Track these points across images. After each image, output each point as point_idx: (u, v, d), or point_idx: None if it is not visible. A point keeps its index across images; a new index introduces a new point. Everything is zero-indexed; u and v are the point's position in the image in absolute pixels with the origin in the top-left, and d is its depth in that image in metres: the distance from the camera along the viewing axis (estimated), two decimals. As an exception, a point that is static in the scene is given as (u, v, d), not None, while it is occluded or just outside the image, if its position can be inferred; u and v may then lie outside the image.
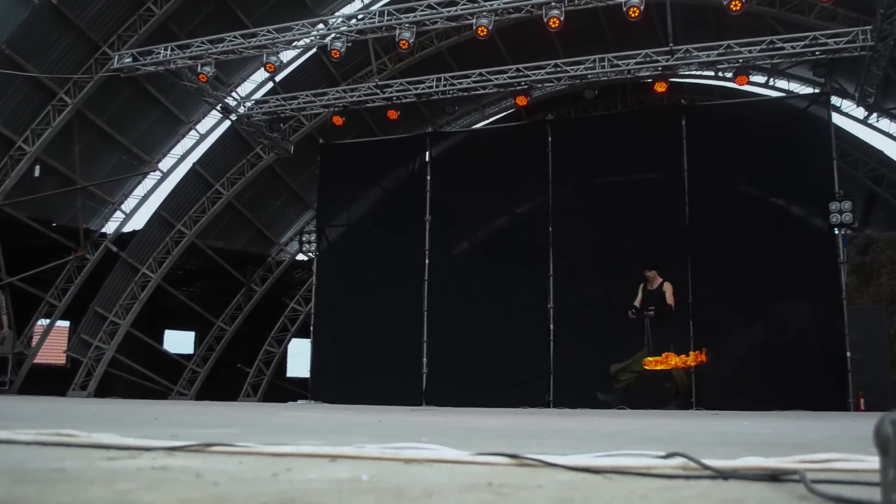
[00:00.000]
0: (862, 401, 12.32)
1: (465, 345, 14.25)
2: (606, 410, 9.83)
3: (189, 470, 1.59)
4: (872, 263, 14.97)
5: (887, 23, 12.28)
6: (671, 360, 9.71)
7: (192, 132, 19.63)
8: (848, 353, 12.43)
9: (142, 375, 20.27)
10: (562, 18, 12.33)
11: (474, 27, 12.85)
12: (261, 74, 18.47)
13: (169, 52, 14.48)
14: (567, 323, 14.03)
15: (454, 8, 12.95)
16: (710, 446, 2.82)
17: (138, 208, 19.73)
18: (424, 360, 14.76)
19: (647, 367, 9.86)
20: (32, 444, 2.09)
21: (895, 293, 14.57)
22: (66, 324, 21.49)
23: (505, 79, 14.96)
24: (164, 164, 19.70)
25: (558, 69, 14.59)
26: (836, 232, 13.11)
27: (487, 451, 1.80)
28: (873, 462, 1.31)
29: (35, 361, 18.80)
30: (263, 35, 14.14)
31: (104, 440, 2.07)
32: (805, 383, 12.26)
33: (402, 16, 13.23)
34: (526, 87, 15.10)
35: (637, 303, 10.37)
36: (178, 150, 19.75)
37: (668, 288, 10.13)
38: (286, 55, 16.45)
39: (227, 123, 18.53)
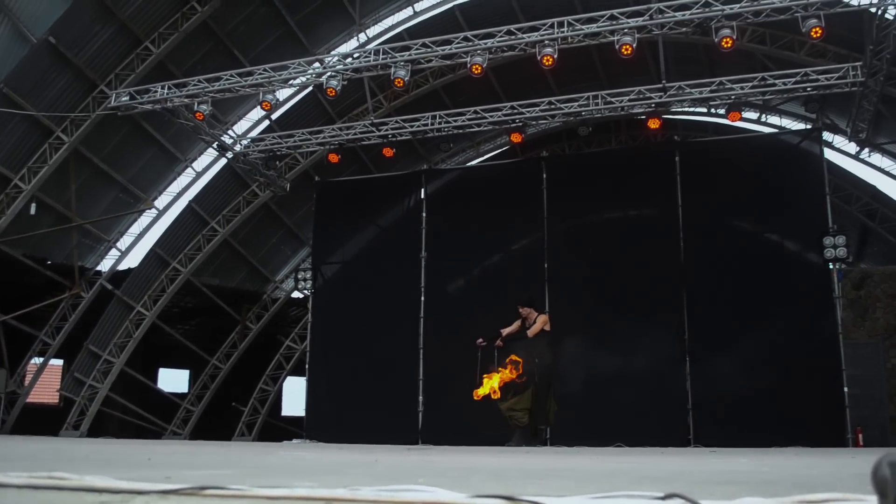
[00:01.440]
0: (860, 436, 12.24)
1: (462, 381, 14.10)
2: (603, 448, 9.74)
3: (182, 514, 1.58)
4: (867, 298, 15.00)
5: (877, 59, 12.44)
6: (491, 382, 9.90)
7: (189, 170, 19.74)
8: (845, 389, 12.36)
9: (135, 414, 20.12)
10: (555, 56, 12.43)
11: (469, 65, 12.94)
12: (257, 112, 18.62)
13: (166, 91, 14.56)
14: (563, 359, 13.92)
15: (449, 46, 13.07)
16: (709, 485, 2.79)
17: (134, 246, 19.73)
18: (420, 397, 14.64)
19: (475, 398, 10.03)
20: (24, 487, 2.06)
21: (891, 327, 14.59)
22: (60, 362, 21.37)
23: (499, 116, 15.06)
24: (160, 202, 19.78)
25: (552, 106, 14.70)
26: (831, 267, 13.10)
27: (484, 494, 1.78)
28: (872, 502, 1.30)
29: (28, 400, 18.67)
30: (260, 73, 14.24)
31: (97, 483, 2.04)
32: (803, 419, 12.18)
33: (397, 54, 13.35)
34: (520, 124, 15.19)
35: (504, 331, 10.54)
36: (175, 187, 19.85)
37: (538, 320, 10.37)
38: (282, 93, 16.62)
39: (223, 161, 18.62)
